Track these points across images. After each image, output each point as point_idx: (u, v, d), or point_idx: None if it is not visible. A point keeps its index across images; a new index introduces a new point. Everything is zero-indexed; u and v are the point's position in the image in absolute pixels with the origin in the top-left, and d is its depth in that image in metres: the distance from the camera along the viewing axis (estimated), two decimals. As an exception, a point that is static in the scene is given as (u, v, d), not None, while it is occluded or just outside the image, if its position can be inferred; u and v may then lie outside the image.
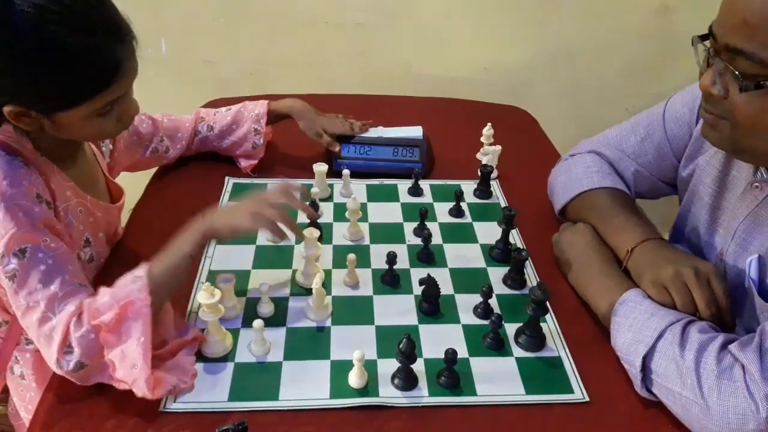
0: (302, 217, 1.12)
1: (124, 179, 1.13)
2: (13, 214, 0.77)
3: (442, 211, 1.17)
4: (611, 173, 1.07)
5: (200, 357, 0.85)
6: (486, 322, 0.90)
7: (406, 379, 0.81)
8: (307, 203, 1.06)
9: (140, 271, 0.78)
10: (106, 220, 0.98)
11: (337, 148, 1.24)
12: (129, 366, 0.74)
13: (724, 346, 0.76)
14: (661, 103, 1.05)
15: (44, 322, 0.76)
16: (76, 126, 0.82)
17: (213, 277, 0.93)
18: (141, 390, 0.74)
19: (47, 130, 0.82)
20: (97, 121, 0.83)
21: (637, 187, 1.09)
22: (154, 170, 1.25)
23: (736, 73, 0.73)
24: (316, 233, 0.95)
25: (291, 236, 0.91)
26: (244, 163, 1.24)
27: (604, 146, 1.11)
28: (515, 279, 1.00)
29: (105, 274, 0.97)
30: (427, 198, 1.21)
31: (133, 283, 0.77)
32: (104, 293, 0.77)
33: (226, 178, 1.23)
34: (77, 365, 0.75)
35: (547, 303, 0.87)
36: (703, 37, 0.78)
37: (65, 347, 0.75)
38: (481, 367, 0.85)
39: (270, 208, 0.88)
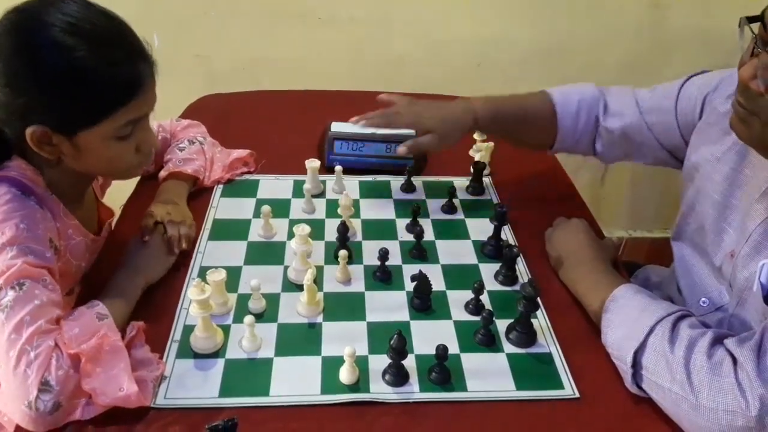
0: (295, 213, 1.12)
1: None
2: (22, 254, 0.77)
3: (435, 207, 1.17)
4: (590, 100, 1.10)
5: (191, 353, 0.84)
6: (477, 318, 0.90)
7: (397, 375, 0.81)
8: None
9: (103, 309, 0.79)
10: (97, 249, 0.99)
11: None
12: (115, 389, 0.73)
13: (714, 342, 0.76)
14: (679, 80, 1.04)
15: (21, 355, 0.72)
16: (96, 151, 0.82)
17: (204, 272, 0.92)
18: (133, 404, 0.74)
19: (66, 162, 0.83)
20: (116, 146, 0.83)
21: (631, 138, 1.09)
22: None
23: None
24: (307, 229, 0.95)
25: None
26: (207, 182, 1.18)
27: (618, 91, 1.12)
28: (507, 275, 1.00)
29: (95, 272, 0.96)
30: (419, 194, 1.21)
31: (99, 320, 0.78)
32: (71, 327, 0.76)
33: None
34: (54, 406, 0.71)
35: (538, 299, 0.88)
36: (750, 19, 0.73)
37: (40, 385, 0.71)
38: (472, 362, 0.85)
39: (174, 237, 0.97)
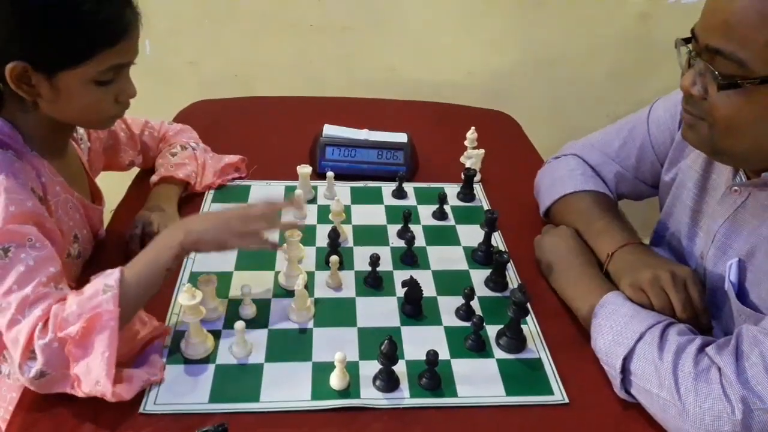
0: (286, 219, 1.12)
1: (107, 179, 1.12)
2: (3, 209, 0.76)
3: (426, 213, 1.17)
4: (593, 176, 1.09)
5: (181, 358, 0.84)
6: (468, 324, 0.90)
7: (388, 381, 0.81)
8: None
9: (112, 280, 0.76)
10: (90, 217, 0.98)
11: None
12: (93, 382, 0.73)
13: (701, 349, 0.77)
14: (645, 107, 1.07)
15: (12, 325, 0.74)
16: (74, 94, 0.81)
17: (195, 278, 0.92)
18: (110, 400, 0.74)
19: (43, 107, 0.82)
20: (96, 92, 0.82)
21: (619, 189, 1.10)
22: (136, 172, 1.24)
23: (715, 72, 0.74)
24: (298, 235, 0.95)
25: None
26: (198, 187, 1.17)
27: (588, 149, 1.12)
28: (497, 281, 1.00)
29: (86, 275, 0.95)
30: (410, 201, 1.22)
31: (104, 293, 0.75)
32: (72, 302, 0.75)
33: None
34: (38, 373, 0.73)
35: (528, 305, 0.88)
36: (686, 40, 0.80)
37: (29, 353, 0.73)
38: (462, 368, 0.86)
39: (255, 225, 0.87)
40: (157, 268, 0.81)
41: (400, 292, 0.96)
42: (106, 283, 0.76)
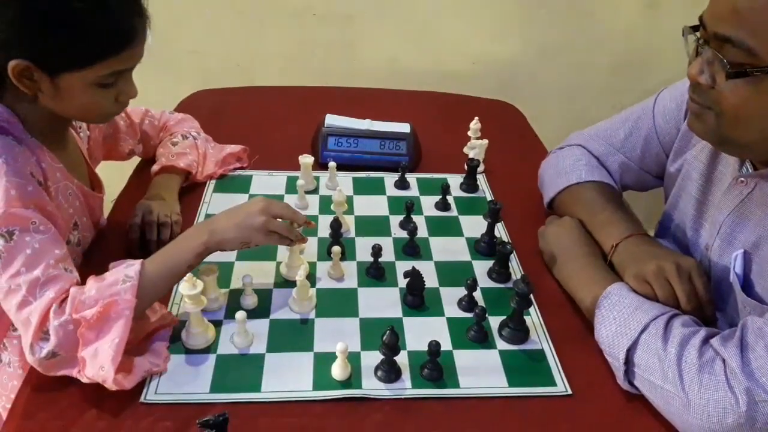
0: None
1: (108, 169, 1.12)
2: (5, 192, 0.76)
3: (429, 204, 1.17)
4: (598, 167, 1.08)
5: (182, 348, 0.84)
6: (470, 315, 0.90)
7: (390, 371, 0.81)
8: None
9: (132, 271, 0.77)
10: (90, 205, 0.98)
11: None
12: (98, 366, 0.73)
13: (706, 341, 0.77)
14: (651, 97, 1.06)
15: (23, 306, 0.75)
16: (75, 94, 0.81)
17: (196, 268, 0.92)
18: (110, 387, 0.74)
19: (42, 100, 0.82)
20: (96, 93, 0.83)
21: (624, 180, 1.10)
22: (137, 161, 1.24)
23: (724, 60, 0.73)
24: (304, 247, 0.95)
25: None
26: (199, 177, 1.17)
27: (593, 139, 1.11)
28: (500, 272, 1.00)
29: (86, 264, 0.96)
30: (413, 191, 1.21)
31: (123, 283, 0.76)
32: (91, 287, 0.76)
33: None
34: (49, 354, 0.74)
35: (531, 296, 0.88)
36: (693, 28, 0.79)
37: (41, 333, 0.74)
38: (465, 359, 0.85)
39: (276, 226, 0.89)
40: (178, 265, 0.83)
41: (403, 282, 0.96)
42: (126, 273, 0.78)
